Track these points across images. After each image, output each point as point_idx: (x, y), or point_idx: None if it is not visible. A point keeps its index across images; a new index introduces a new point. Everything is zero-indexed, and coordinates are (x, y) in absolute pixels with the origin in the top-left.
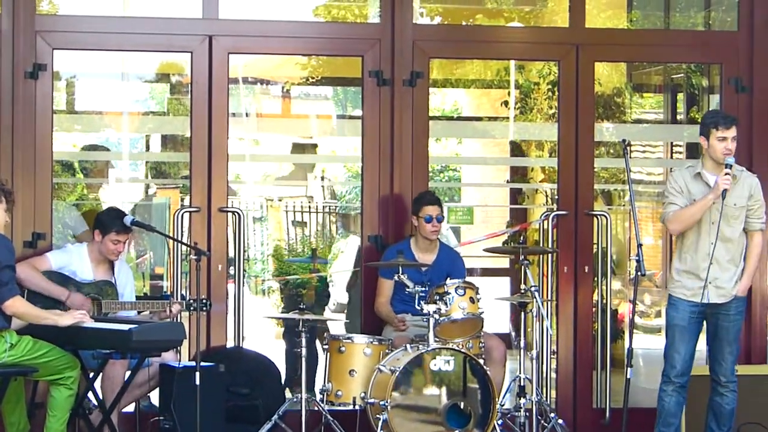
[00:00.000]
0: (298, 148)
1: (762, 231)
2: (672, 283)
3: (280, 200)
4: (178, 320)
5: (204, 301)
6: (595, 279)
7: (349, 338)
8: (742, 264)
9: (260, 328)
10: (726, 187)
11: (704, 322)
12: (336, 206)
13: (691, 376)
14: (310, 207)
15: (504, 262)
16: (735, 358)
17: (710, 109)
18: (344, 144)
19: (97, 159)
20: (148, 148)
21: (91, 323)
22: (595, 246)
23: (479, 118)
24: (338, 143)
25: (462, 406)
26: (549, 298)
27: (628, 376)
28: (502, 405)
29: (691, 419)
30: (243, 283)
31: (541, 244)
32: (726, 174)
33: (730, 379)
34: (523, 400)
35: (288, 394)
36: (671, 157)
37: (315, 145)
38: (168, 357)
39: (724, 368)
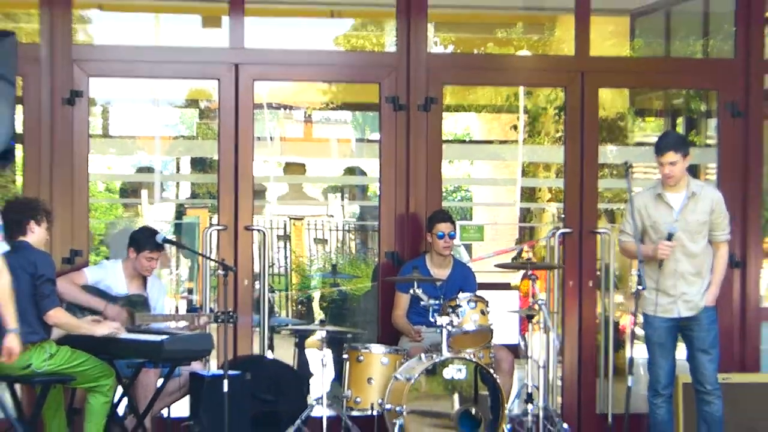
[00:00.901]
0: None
1: (727, 242)
2: (644, 301)
3: (300, 219)
4: (207, 331)
5: (230, 313)
6: (599, 292)
7: (367, 348)
8: (710, 276)
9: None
10: (663, 257)
11: (679, 335)
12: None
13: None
14: (330, 225)
15: (513, 276)
16: (716, 366)
17: (708, 132)
18: (363, 165)
19: (132, 181)
20: (178, 170)
21: (125, 334)
22: (598, 262)
23: (490, 142)
24: (357, 165)
25: (473, 412)
26: (555, 310)
27: (629, 384)
28: (511, 411)
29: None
30: (267, 296)
31: (548, 260)
32: (666, 246)
33: (714, 386)
34: (530, 406)
35: (310, 400)
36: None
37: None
38: (197, 366)
39: (707, 376)
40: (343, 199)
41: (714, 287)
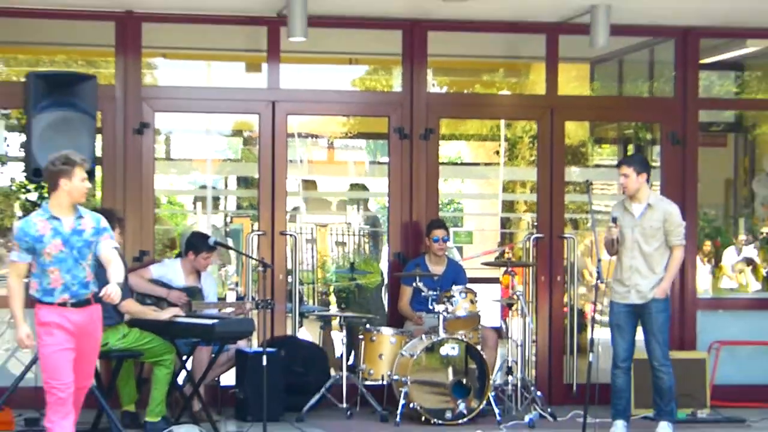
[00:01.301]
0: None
1: (680, 246)
2: (611, 291)
3: (324, 226)
4: (249, 316)
5: (268, 301)
6: (566, 286)
7: (378, 330)
8: (663, 273)
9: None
10: (611, 237)
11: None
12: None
13: (636, 360)
14: (349, 231)
15: (496, 272)
16: (663, 347)
17: (652, 156)
18: (375, 183)
19: (188, 195)
20: (226, 186)
21: (183, 319)
22: (565, 260)
23: (477, 164)
24: (370, 182)
25: (464, 382)
26: (530, 300)
27: (590, 360)
28: (495, 381)
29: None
30: (297, 288)
31: (524, 259)
32: (610, 227)
33: (662, 362)
34: (510, 378)
35: (332, 372)
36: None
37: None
38: (242, 344)
39: (655, 355)
40: (358, 210)
41: (664, 282)
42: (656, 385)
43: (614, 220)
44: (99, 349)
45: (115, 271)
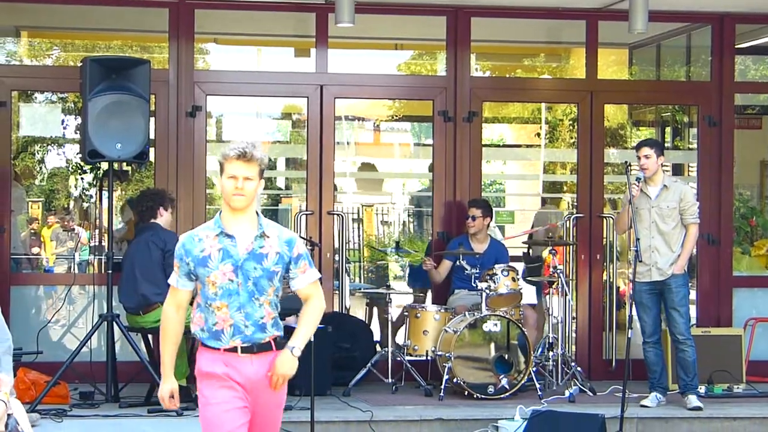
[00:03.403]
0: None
1: (695, 224)
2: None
3: (371, 206)
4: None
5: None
6: (604, 264)
7: (423, 307)
8: (680, 250)
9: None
10: (634, 194)
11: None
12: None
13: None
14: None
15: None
16: (685, 320)
17: (689, 139)
18: (420, 164)
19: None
20: (275, 167)
21: None
22: (604, 239)
23: (519, 146)
24: (415, 164)
25: (506, 358)
26: (570, 278)
27: (629, 336)
28: (536, 356)
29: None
30: (345, 266)
31: (564, 239)
32: (633, 185)
33: (686, 336)
34: (551, 353)
35: (378, 348)
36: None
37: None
38: (291, 321)
39: (678, 329)
40: (404, 192)
41: (681, 259)
42: (680, 359)
43: (638, 180)
44: (281, 410)
45: (308, 321)
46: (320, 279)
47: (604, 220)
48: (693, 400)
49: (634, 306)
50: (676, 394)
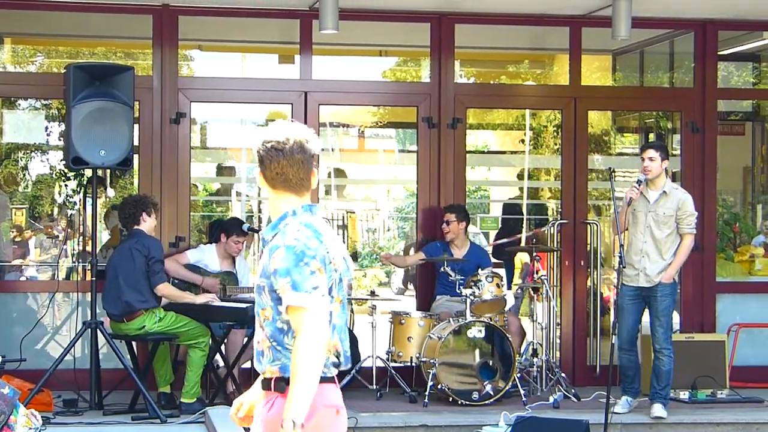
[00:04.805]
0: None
1: (690, 234)
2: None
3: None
4: None
5: None
6: (588, 270)
7: (407, 313)
8: (671, 258)
9: None
10: (632, 196)
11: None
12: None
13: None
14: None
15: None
16: (666, 330)
17: (673, 145)
18: (404, 171)
19: (223, 182)
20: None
21: (218, 302)
22: (588, 246)
23: (503, 152)
24: (400, 170)
25: (491, 364)
26: (555, 284)
27: (613, 342)
28: (521, 363)
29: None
30: None
31: (548, 245)
32: (633, 187)
33: (664, 346)
34: (536, 359)
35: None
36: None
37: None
38: None
39: (657, 338)
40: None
41: (671, 268)
42: (656, 367)
43: (639, 182)
44: None
45: (295, 373)
46: (299, 309)
47: (588, 226)
48: (657, 409)
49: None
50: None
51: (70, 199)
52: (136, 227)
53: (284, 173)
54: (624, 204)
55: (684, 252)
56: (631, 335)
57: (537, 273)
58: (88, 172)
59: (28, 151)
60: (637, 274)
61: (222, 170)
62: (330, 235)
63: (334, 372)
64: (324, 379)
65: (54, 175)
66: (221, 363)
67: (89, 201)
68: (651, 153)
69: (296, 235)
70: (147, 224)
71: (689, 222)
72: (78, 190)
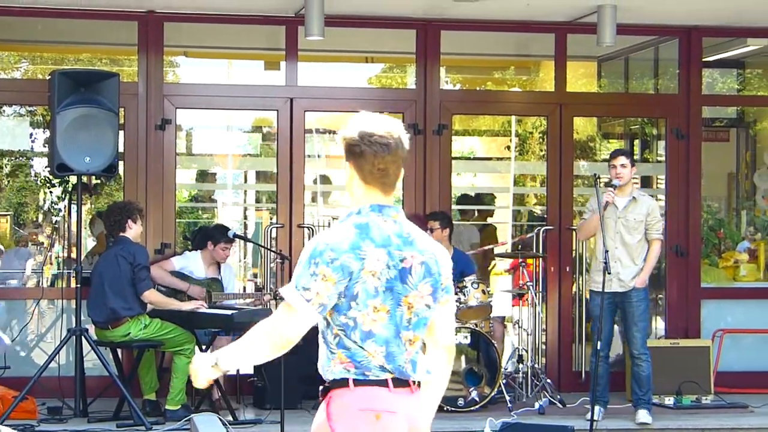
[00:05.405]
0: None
1: (659, 239)
2: (590, 281)
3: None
4: (268, 307)
5: None
6: (574, 276)
7: None
8: (642, 264)
9: None
10: (608, 199)
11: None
12: None
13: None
14: None
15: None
16: (642, 335)
17: (658, 151)
18: None
19: (209, 189)
20: (246, 180)
21: (204, 309)
22: (573, 252)
23: (489, 158)
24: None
25: (476, 370)
26: (540, 290)
27: (598, 348)
28: (506, 369)
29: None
30: None
31: (534, 251)
32: (609, 192)
33: (642, 351)
34: (521, 365)
35: None
36: (616, 183)
37: None
38: None
39: (635, 343)
40: None
41: (644, 273)
42: (635, 374)
43: (614, 187)
44: None
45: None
46: (284, 301)
47: (574, 232)
48: (642, 415)
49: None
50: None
51: (55, 206)
52: (121, 234)
53: (386, 169)
54: (592, 209)
55: (654, 256)
56: (607, 342)
57: (523, 280)
58: (73, 179)
59: (13, 158)
60: (609, 279)
61: (206, 176)
62: (388, 239)
63: (380, 376)
64: (365, 382)
65: (39, 182)
66: None
67: (74, 208)
68: (622, 160)
69: (330, 234)
70: (133, 231)
71: (658, 228)
72: (63, 196)
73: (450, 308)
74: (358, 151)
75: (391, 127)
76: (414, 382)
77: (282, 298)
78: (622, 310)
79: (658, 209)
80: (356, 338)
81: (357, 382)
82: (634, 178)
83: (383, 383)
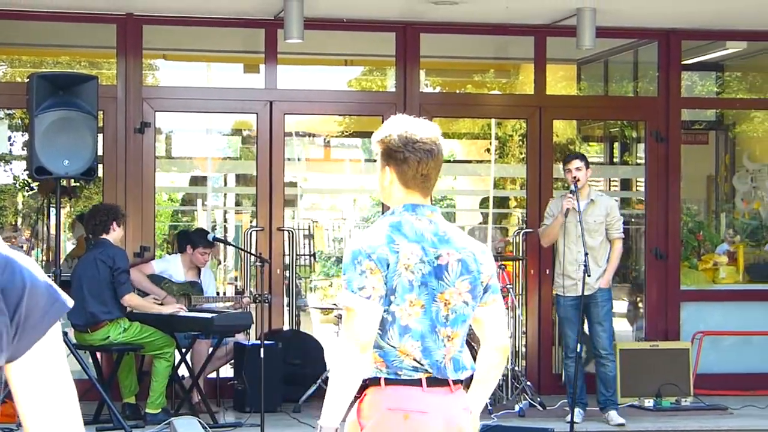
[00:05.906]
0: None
1: (620, 239)
2: (554, 286)
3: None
4: (248, 310)
5: (266, 295)
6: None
7: None
8: (605, 264)
9: (306, 315)
10: (568, 206)
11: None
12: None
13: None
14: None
15: None
16: (609, 335)
17: (638, 154)
18: (370, 180)
19: (188, 192)
20: (225, 183)
21: (183, 312)
22: (553, 254)
23: (469, 161)
24: (365, 180)
25: None
26: (520, 293)
27: (578, 350)
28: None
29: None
30: (295, 282)
31: (514, 254)
32: (569, 197)
33: (608, 351)
34: None
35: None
36: (609, 189)
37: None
38: (240, 337)
39: (601, 343)
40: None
41: (608, 274)
42: (602, 374)
43: (572, 192)
44: None
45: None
46: (344, 308)
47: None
48: (615, 416)
49: (558, 322)
50: (623, 408)
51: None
52: (103, 236)
53: (428, 174)
54: (552, 214)
55: (616, 256)
56: (575, 345)
57: (503, 282)
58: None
59: None
60: (575, 283)
61: (187, 180)
62: (422, 235)
63: (412, 375)
64: (396, 382)
65: (18, 185)
66: (186, 373)
67: (53, 211)
68: (578, 163)
69: (365, 235)
70: (115, 234)
71: (618, 227)
72: (41, 201)
73: (498, 307)
74: (402, 157)
75: (432, 132)
76: (454, 381)
77: (264, 300)
78: (587, 312)
79: (617, 208)
80: (394, 334)
81: (388, 381)
82: (590, 180)
83: (416, 383)
